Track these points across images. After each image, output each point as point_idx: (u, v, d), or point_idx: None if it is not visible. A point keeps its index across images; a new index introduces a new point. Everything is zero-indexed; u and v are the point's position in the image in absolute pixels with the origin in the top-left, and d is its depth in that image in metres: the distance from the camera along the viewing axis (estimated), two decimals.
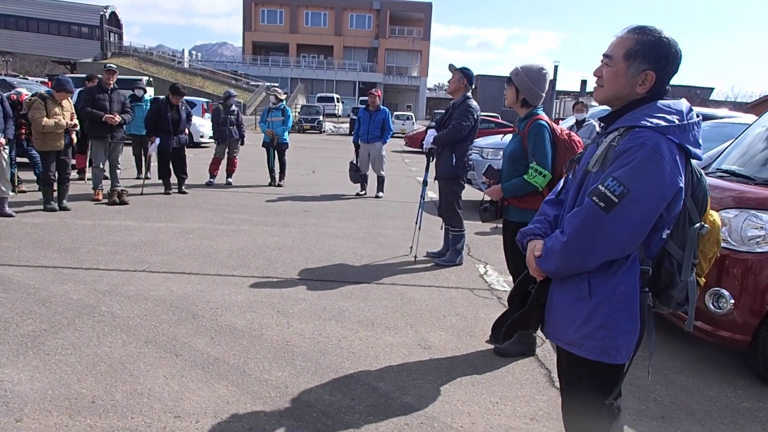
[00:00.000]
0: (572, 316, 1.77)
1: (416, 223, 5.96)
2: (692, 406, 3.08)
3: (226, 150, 10.17)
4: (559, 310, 1.82)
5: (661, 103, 1.72)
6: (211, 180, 10.13)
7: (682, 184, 1.65)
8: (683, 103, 1.75)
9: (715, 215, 1.85)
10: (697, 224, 1.76)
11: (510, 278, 4.66)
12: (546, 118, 3.42)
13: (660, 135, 1.63)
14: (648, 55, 1.71)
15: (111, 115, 7.61)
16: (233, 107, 10.10)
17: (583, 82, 49.96)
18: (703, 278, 1.88)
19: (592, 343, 1.73)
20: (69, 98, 7.25)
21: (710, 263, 1.88)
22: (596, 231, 1.65)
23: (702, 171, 1.80)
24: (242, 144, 10.34)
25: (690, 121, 1.69)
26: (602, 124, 1.85)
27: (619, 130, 1.72)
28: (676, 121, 1.67)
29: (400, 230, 7.04)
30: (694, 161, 1.75)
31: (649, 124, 1.65)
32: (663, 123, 1.65)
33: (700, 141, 1.72)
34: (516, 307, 1.97)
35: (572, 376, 1.89)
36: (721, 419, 2.96)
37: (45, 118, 6.78)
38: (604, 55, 1.79)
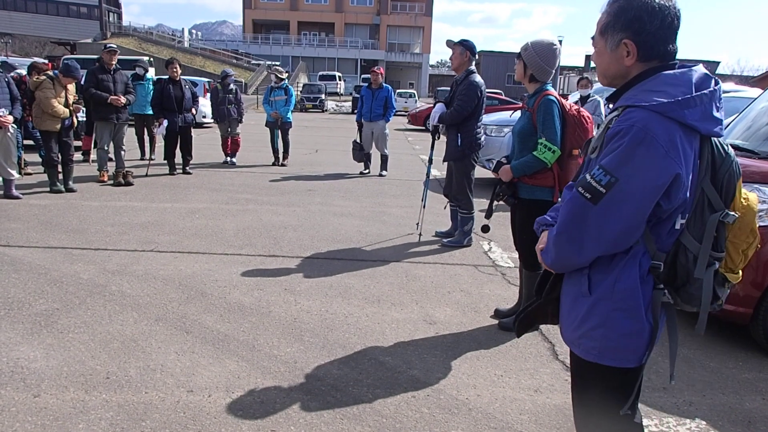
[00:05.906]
0: (573, 313, 1.63)
1: (422, 200, 5.98)
2: (693, 378, 3.14)
3: (228, 129, 10.20)
4: (564, 305, 1.69)
5: (666, 74, 1.49)
6: (227, 159, 10.23)
7: (680, 170, 1.41)
8: (695, 72, 1.50)
9: (751, 199, 1.57)
10: (720, 212, 1.50)
11: (515, 255, 4.71)
12: (555, 93, 3.42)
13: (654, 114, 1.41)
14: (617, 24, 1.53)
15: (116, 97, 7.60)
16: (231, 86, 10.09)
17: (588, 57, 49.39)
18: (737, 273, 1.61)
19: (590, 343, 1.59)
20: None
21: (746, 256, 1.59)
22: (585, 224, 1.48)
23: (729, 149, 1.55)
24: (240, 122, 10.33)
25: (701, 93, 1.44)
26: (610, 105, 1.66)
27: (618, 110, 1.52)
28: (680, 96, 1.43)
29: (404, 209, 7.07)
30: (717, 139, 1.52)
31: (644, 103, 1.43)
32: (662, 99, 1.42)
33: (716, 114, 1.47)
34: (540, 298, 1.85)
35: (579, 378, 1.73)
36: (722, 390, 3.02)
37: (55, 101, 6.79)
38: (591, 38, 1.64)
